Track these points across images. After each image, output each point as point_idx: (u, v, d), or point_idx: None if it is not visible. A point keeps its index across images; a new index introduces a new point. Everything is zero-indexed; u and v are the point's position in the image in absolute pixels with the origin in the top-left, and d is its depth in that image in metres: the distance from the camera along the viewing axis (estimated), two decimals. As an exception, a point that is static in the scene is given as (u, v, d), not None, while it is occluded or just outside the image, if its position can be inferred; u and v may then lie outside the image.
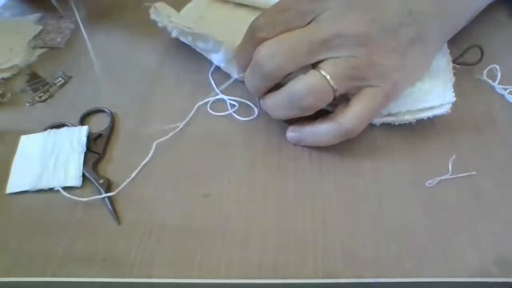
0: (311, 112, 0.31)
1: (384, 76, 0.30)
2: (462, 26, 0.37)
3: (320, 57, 0.29)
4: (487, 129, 0.34)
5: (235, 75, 0.35)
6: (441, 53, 0.35)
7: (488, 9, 0.40)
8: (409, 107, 0.32)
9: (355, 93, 0.31)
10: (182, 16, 0.40)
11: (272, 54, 0.29)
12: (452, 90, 0.32)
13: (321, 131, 0.31)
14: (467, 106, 0.35)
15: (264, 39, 0.30)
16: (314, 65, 0.30)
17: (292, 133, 0.33)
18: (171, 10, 0.39)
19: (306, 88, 0.29)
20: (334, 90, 0.29)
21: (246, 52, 0.32)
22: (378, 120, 0.34)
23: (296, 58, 0.29)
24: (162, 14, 0.37)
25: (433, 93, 0.32)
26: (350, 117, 0.30)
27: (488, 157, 0.32)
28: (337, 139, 0.31)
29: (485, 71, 0.37)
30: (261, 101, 0.33)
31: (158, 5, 0.38)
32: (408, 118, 0.33)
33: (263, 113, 0.35)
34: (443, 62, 0.34)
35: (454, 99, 0.32)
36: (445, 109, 0.32)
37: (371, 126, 0.34)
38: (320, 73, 0.29)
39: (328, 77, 0.29)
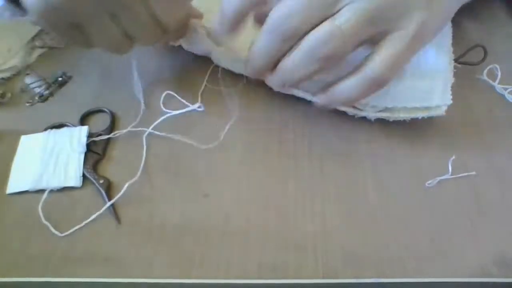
0: (331, 64, 0.29)
1: (408, 16, 0.28)
2: None
3: (338, 7, 0.28)
4: (487, 129, 0.34)
5: (236, 70, 0.35)
6: (443, 52, 0.35)
7: (488, 8, 0.40)
8: (405, 104, 0.32)
9: (380, 39, 0.29)
10: None
11: (289, 13, 0.28)
12: (450, 92, 0.32)
13: (350, 84, 0.30)
14: (467, 106, 0.35)
15: None
16: None
17: (321, 95, 0.32)
18: None
19: (321, 37, 0.28)
20: (351, 36, 0.28)
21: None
22: (373, 115, 0.34)
23: (314, 13, 0.28)
24: None
25: (431, 94, 0.32)
26: (377, 64, 0.28)
27: (488, 157, 0.32)
28: (367, 90, 0.30)
29: (485, 71, 0.37)
30: (275, 71, 0.31)
31: None
32: (403, 115, 0.33)
33: (262, 111, 0.35)
34: (444, 62, 0.34)
35: (451, 102, 0.32)
36: (440, 111, 0.32)
37: (371, 126, 0.34)
38: (334, 22, 0.27)
39: (343, 26, 0.27)
